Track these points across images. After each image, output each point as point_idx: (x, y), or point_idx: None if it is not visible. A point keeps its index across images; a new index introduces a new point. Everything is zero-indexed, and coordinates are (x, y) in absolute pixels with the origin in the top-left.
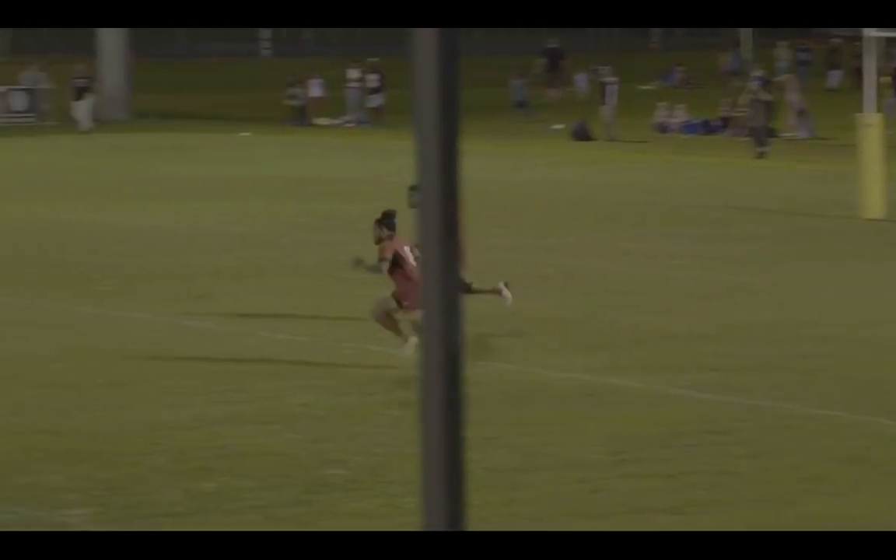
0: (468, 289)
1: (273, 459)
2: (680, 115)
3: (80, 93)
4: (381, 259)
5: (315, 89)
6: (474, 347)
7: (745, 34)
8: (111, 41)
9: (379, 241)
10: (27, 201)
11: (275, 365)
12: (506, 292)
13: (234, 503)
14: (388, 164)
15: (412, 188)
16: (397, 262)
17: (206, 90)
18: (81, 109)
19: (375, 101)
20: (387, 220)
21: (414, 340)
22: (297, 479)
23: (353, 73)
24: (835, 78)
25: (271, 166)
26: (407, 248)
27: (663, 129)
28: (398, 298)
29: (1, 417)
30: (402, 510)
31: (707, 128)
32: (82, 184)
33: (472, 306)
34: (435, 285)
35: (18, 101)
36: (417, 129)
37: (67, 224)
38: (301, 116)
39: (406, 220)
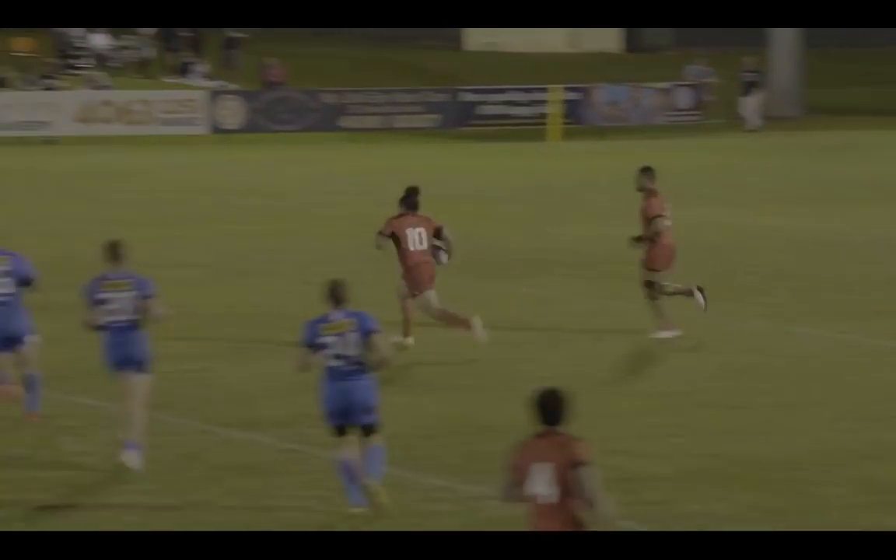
0: (661, 290)
1: None
2: None
3: (749, 88)
4: (379, 232)
5: None
6: None
7: None
8: (784, 31)
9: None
10: (690, 205)
11: None
12: (698, 295)
13: None
14: None
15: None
16: (396, 243)
17: (887, 82)
18: (749, 106)
19: None
20: (407, 199)
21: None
22: None
23: None
24: None
25: None
26: (416, 231)
27: None
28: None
29: (660, 439)
30: None
31: None
32: (749, 186)
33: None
34: None
35: (683, 98)
36: None
37: (731, 229)
38: None
39: None
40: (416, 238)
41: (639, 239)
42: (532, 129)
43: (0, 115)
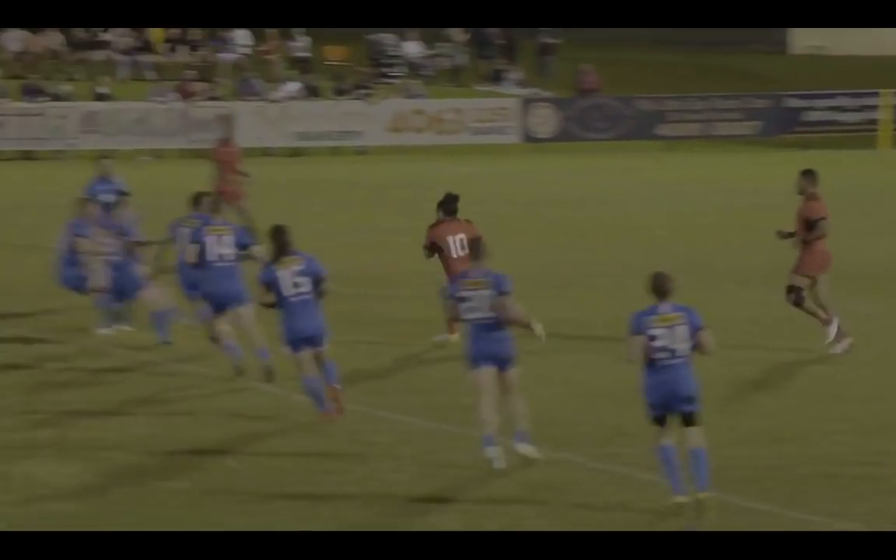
0: (798, 301)
1: None
2: None
3: None
4: (423, 246)
5: None
6: None
7: None
8: None
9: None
10: None
11: None
12: (833, 328)
13: None
14: None
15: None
16: (438, 251)
17: None
18: None
19: None
20: (445, 205)
21: None
22: None
23: None
24: None
25: None
26: (457, 238)
27: None
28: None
29: None
30: None
31: None
32: None
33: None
34: None
35: None
36: None
37: None
38: None
39: None
40: (458, 245)
41: (791, 234)
42: (861, 136)
43: (313, 125)
